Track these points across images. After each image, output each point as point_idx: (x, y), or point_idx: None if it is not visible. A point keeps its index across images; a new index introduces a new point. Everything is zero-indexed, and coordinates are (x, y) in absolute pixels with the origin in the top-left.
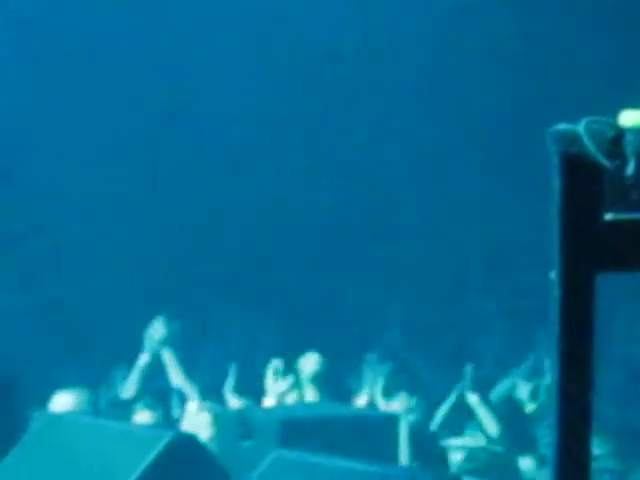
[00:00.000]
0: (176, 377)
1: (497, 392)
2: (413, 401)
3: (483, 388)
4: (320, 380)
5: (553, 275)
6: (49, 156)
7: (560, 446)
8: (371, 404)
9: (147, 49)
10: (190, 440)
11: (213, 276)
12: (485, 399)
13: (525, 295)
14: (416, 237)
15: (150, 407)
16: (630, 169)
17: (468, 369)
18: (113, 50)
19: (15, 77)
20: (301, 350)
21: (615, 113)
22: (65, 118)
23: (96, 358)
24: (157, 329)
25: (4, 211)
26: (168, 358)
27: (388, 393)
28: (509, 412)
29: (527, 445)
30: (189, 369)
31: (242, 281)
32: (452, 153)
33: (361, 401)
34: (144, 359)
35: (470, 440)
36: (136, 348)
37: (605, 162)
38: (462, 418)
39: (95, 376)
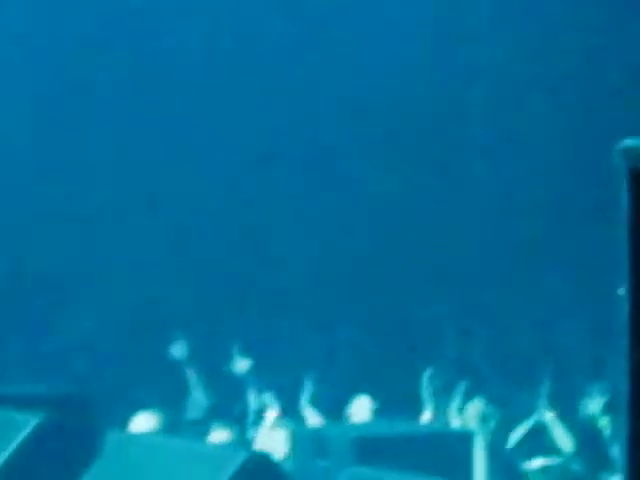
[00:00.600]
0: (251, 394)
1: (574, 409)
2: (489, 411)
3: (560, 405)
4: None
5: (622, 291)
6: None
7: (630, 460)
8: (437, 420)
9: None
10: (264, 459)
11: (284, 292)
12: (561, 417)
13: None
14: (483, 250)
15: (225, 426)
16: None
17: (544, 386)
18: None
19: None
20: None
21: None
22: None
23: (172, 378)
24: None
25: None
26: (243, 375)
27: (461, 409)
28: (585, 429)
29: (605, 462)
30: (265, 385)
31: (312, 295)
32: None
33: (426, 417)
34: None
35: (547, 459)
36: (209, 369)
37: None
38: (539, 435)
39: (172, 396)
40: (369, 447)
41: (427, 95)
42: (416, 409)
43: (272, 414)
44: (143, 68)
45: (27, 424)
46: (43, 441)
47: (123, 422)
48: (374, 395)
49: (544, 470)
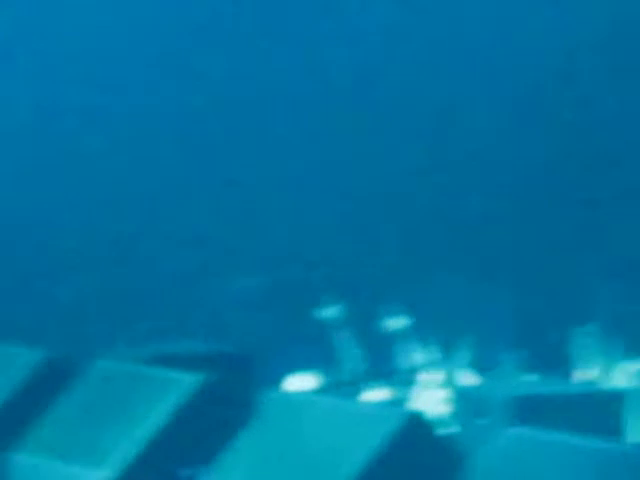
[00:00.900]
0: (407, 354)
1: None
2: None
3: None
4: None
5: None
6: None
7: None
8: (592, 378)
9: None
10: (422, 419)
11: (440, 249)
12: None
13: None
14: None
15: (382, 386)
16: None
17: None
18: None
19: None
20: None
21: None
22: None
23: (328, 339)
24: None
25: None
26: (399, 335)
27: (615, 367)
28: None
29: None
30: (422, 345)
31: (470, 253)
32: None
33: (580, 376)
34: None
35: None
36: (366, 330)
37: None
38: None
39: (328, 357)
40: (527, 406)
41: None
42: (571, 367)
43: (429, 374)
44: None
45: (187, 384)
46: (203, 400)
47: (279, 382)
48: (530, 354)
49: None
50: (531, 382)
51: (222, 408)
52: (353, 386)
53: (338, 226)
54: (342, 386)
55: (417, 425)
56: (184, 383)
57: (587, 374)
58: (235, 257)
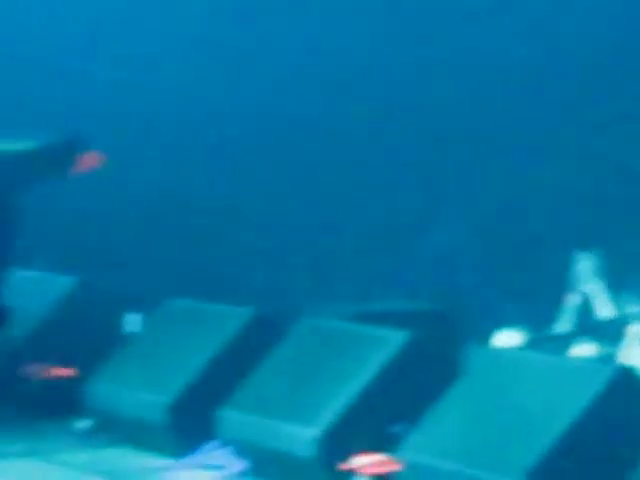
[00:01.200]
0: (607, 311)
1: None
2: None
3: None
4: None
5: None
6: None
7: None
8: None
9: None
10: (631, 374)
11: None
12: None
13: None
14: None
15: (589, 341)
16: None
17: None
18: None
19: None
20: None
21: None
22: None
23: (536, 294)
24: (584, 263)
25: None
26: (597, 291)
27: None
28: None
29: None
30: (628, 297)
31: None
32: None
33: None
34: (574, 295)
35: None
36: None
37: None
38: None
39: (535, 312)
40: None
41: None
42: None
43: (635, 328)
44: None
45: (394, 341)
46: (410, 357)
47: (486, 338)
48: None
49: None
50: None
51: (429, 365)
52: (560, 341)
53: (537, 177)
54: (550, 341)
55: (628, 380)
56: (391, 340)
57: None
58: (437, 209)
